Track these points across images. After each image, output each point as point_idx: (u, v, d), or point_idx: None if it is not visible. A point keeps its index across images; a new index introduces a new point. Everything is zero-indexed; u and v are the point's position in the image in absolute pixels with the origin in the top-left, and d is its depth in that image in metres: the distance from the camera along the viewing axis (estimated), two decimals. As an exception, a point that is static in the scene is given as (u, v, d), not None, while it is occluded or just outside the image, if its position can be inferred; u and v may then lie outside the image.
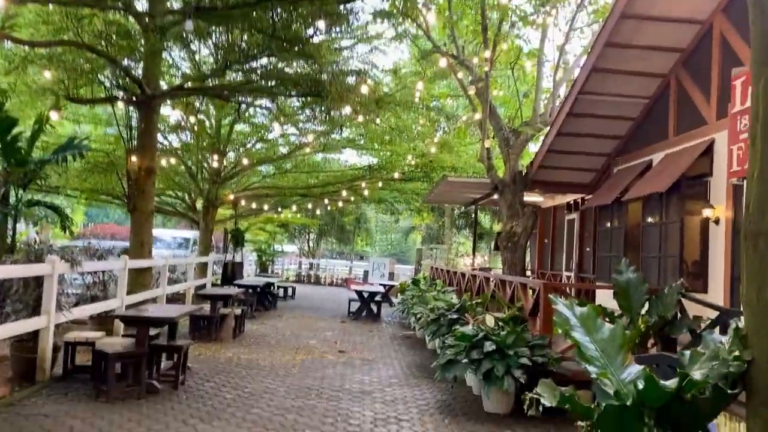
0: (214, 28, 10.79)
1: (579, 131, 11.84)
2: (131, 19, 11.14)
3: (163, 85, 13.55)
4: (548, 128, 12.79)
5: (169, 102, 14.13)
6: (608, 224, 12.07)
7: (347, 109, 11.82)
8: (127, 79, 11.49)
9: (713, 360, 2.43)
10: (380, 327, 14.03)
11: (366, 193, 21.73)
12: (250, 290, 14.82)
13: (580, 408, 2.65)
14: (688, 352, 2.78)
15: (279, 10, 9.76)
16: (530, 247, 16.48)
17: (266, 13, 9.77)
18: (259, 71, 11.81)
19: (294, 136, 19.67)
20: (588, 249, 14.21)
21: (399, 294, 14.95)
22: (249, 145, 20.12)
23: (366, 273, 27.52)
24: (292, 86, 11.61)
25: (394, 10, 12.62)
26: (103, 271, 10.28)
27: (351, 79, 11.74)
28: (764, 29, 2.43)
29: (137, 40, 11.06)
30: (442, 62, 12.13)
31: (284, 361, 9.03)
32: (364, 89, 11.34)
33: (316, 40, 11.27)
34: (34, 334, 6.98)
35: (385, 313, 16.42)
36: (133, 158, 11.73)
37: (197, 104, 15.82)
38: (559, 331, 3.12)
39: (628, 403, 2.45)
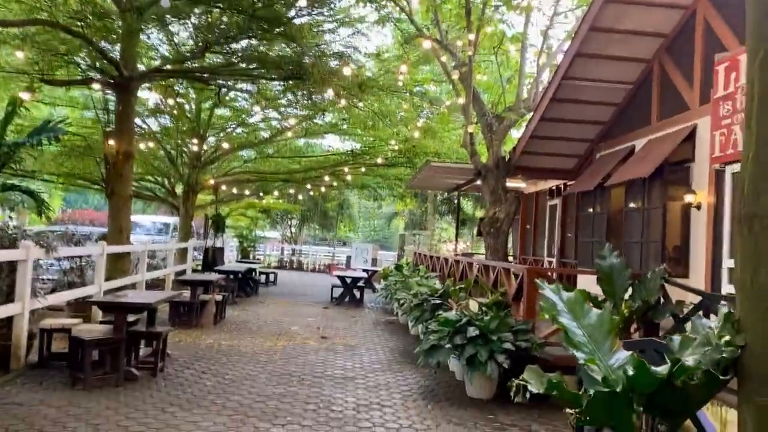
0: (193, 7, 10.55)
1: (562, 117, 11.81)
2: (107, -2, 10.86)
3: (142, 68, 13.26)
4: (531, 114, 12.74)
5: (147, 85, 13.85)
6: (590, 210, 12.09)
7: (330, 93, 11.67)
8: (104, 61, 11.23)
9: (705, 346, 2.38)
10: (363, 313, 13.99)
11: (349, 178, 21.59)
12: (231, 276, 14.68)
13: (567, 395, 2.59)
14: (676, 338, 2.74)
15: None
16: (512, 232, 16.49)
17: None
18: (239, 53, 11.59)
19: (276, 120, 19.44)
20: (569, 234, 14.25)
21: (382, 280, 14.90)
22: (229, 130, 19.85)
23: (349, 259, 27.45)
24: (274, 69, 11.42)
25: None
26: (81, 257, 10.09)
27: (333, 63, 11.58)
28: (759, 5, 2.36)
29: (114, 21, 10.78)
30: (426, 44, 11.98)
31: (266, 348, 8.95)
32: (347, 71, 11.18)
33: (298, 22, 11.08)
34: (8, 321, 6.81)
35: (367, 299, 16.38)
36: (111, 142, 11.50)
37: (176, 87, 15.53)
38: (546, 316, 3.07)
39: (618, 390, 2.40)
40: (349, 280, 15.71)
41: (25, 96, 10.69)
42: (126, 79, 11.40)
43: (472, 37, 11.58)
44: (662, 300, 6.56)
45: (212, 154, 19.35)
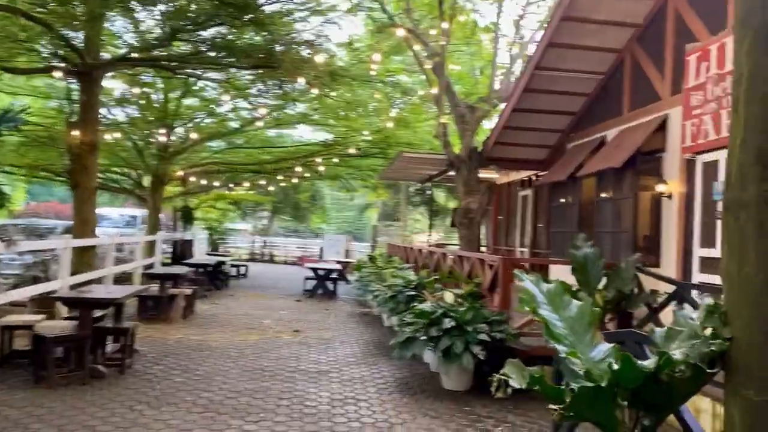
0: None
1: (534, 107, 11.82)
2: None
3: (106, 56, 12.86)
4: (504, 104, 12.73)
5: (112, 74, 13.45)
6: (562, 200, 12.13)
7: (301, 81, 11.45)
8: (67, 49, 10.84)
9: (692, 339, 2.33)
10: (336, 305, 13.87)
11: (321, 169, 21.37)
12: (201, 269, 14.43)
13: (550, 390, 2.53)
14: (659, 330, 2.69)
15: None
16: (485, 223, 16.52)
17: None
18: (208, 42, 11.30)
19: (246, 110, 19.11)
20: (541, 225, 14.32)
21: (355, 271, 14.78)
22: (198, 120, 19.44)
23: (321, 250, 27.25)
24: (244, 57, 11.16)
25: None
26: (45, 251, 9.77)
27: (305, 51, 11.37)
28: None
29: (76, 6, 10.40)
30: (400, 32, 11.83)
31: (237, 342, 8.78)
32: (319, 58, 10.99)
33: (268, 9, 10.83)
34: (-34, 319, 6.54)
35: (341, 291, 16.26)
36: (74, 132, 11.13)
37: (143, 76, 15.13)
38: (526, 308, 2.99)
39: (603, 385, 2.34)
40: (322, 272, 15.57)
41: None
42: (90, 68, 11.04)
43: (445, 25, 11.47)
44: (636, 289, 6.58)
45: (180, 145, 18.95)
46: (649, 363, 2.29)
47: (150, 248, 16.43)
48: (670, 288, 6.62)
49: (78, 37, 11.33)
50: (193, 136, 18.39)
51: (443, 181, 18.84)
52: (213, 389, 6.20)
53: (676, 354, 2.25)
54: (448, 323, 6.31)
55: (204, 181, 21.53)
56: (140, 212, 22.79)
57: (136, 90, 14.94)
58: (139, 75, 14.81)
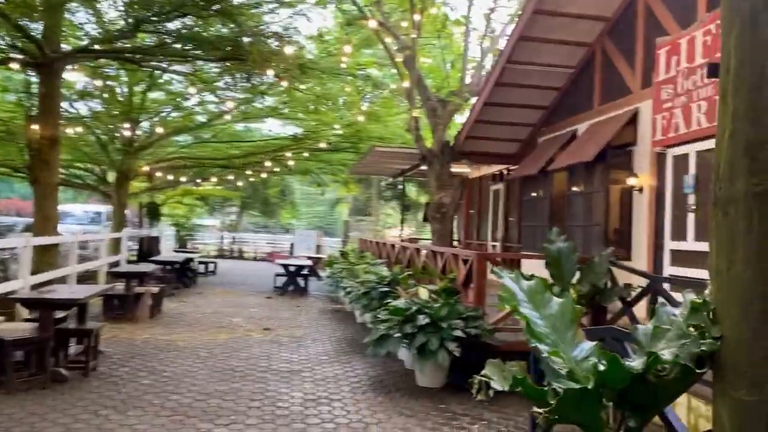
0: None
1: (506, 101, 11.81)
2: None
3: (67, 48, 12.43)
4: (475, 98, 12.69)
5: (74, 66, 13.02)
6: (533, 194, 12.17)
7: (270, 73, 11.22)
8: (24, 40, 10.44)
9: (682, 338, 2.26)
10: (308, 302, 13.70)
11: (291, 163, 21.10)
12: (168, 267, 14.11)
13: (532, 391, 2.44)
14: (643, 327, 2.62)
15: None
16: (457, 217, 16.50)
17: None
18: (173, 33, 10.99)
19: (213, 104, 18.75)
20: (512, 219, 14.36)
21: (327, 267, 14.62)
22: (164, 114, 19.01)
23: (292, 246, 26.99)
24: (211, 50, 10.89)
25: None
26: (4, 249, 9.40)
27: (273, 43, 11.14)
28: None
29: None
30: (371, 24, 11.67)
31: (206, 341, 8.56)
32: (289, 50, 10.77)
33: (236, 0, 10.58)
34: None
35: (312, 287, 16.08)
36: (34, 126, 10.75)
37: (106, 69, 14.70)
38: (507, 307, 2.90)
39: (589, 387, 2.26)
40: (292, 269, 15.36)
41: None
42: (49, 60, 10.67)
43: (416, 17, 11.35)
44: (610, 284, 6.58)
45: (146, 140, 18.52)
46: (637, 363, 2.22)
47: (115, 246, 16.04)
48: (643, 281, 6.64)
49: (37, 28, 10.93)
50: (159, 130, 17.96)
51: (415, 175, 18.77)
52: (181, 391, 6.01)
53: (665, 354, 2.18)
54: (422, 320, 6.22)
55: (170, 177, 21.10)
56: (105, 209, 22.25)
57: (98, 82, 14.48)
58: (103, 67, 14.39)
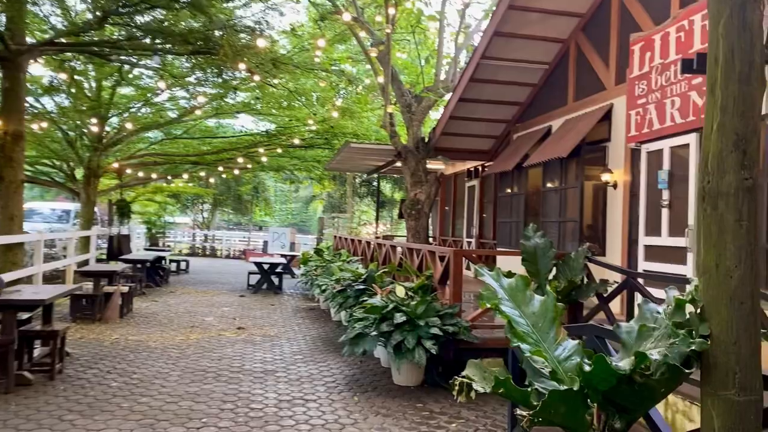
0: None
1: (480, 97, 11.77)
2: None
3: (31, 41, 12.05)
4: (450, 94, 12.64)
5: (39, 60, 12.64)
6: (508, 190, 12.17)
7: (241, 67, 11.01)
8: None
9: (671, 337, 2.20)
10: (282, 300, 13.54)
11: (264, 160, 20.84)
12: (139, 265, 13.82)
13: (515, 392, 2.36)
14: (626, 325, 2.56)
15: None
16: (432, 214, 16.47)
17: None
18: (142, 26, 10.72)
19: (184, 100, 18.41)
20: (485, 215, 14.38)
21: (301, 265, 14.47)
22: (134, 110, 18.60)
23: (265, 244, 26.71)
24: (181, 43, 10.64)
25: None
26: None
27: (245, 37, 10.94)
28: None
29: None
30: (346, 16, 11.51)
31: (177, 342, 8.37)
32: (261, 43, 10.58)
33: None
34: None
35: (287, 285, 15.92)
36: (-3, 122, 10.39)
37: (74, 63, 14.30)
38: (488, 305, 2.82)
39: (575, 388, 2.19)
40: (266, 266, 15.17)
41: None
42: (13, 53, 10.34)
43: (391, 11, 11.24)
44: (586, 279, 6.56)
45: (115, 136, 18.10)
46: (625, 364, 2.15)
47: (85, 244, 15.66)
48: (618, 277, 6.64)
49: (-1, 21, 10.59)
50: (128, 126, 17.57)
51: (390, 172, 18.69)
52: (152, 393, 5.84)
53: (654, 354, 2.12)
54: (399, 318, 6.14)
55: (141, 174, 20.66)
56: (74, 206, 21.75)
57: (62, 76, 14.07)
58: (69, 61, 14.00)
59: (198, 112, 18.02)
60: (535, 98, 11.63)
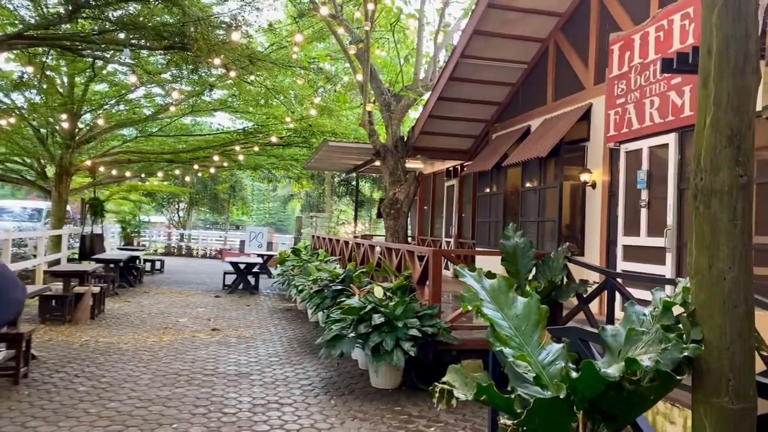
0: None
1: (459, 96, 11.70)
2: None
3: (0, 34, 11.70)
4: (429, 93, 12.55)
5: (9, 54, 12.30)
6: (487, 190, 12.12)
7: (217, 62, 10.79)
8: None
9: (662, 342, 2.10)
10: (258, 300, 13.33)
11: (241, 158, 20.57)
12: (112, 265, 13.51)
13: (499, 400, 2.25)
14: (611, 328, 2.47)
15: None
16: (411, 213, 16.38)
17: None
18: (113, 20, 10.45)
19: (160, 97, 18.08)
20: (464, 215, 14.32)
21: (278, 265, 14.27)
22: (108, 107, 18.21)
23: (242, 243, 26.40)
24: (154, 38, 10.40)
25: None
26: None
27: (221, 34, 10.73)
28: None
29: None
30: (323, 11, 11.35)
31: (149, 344, 8.15)
32: (236, 36, 10.37)
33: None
34: None
35: (263, 285, 15.70)
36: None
37: (45, 58, 13.93)
38: (470, 307, 2.71)
39: (561, 396, 2.09)
40: (242, 266, 14.94)
41: None
42: (-22, 46, 10.03)
43: (371, 6, 11.10)
44: (566, 279, 6.51)
45: (88, 133, 17.72)
46: (614, 370, 2.05)
47: (56, 243, 15.29)
48: (598, 277, 6.60)
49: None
50: (100, 122, 17.18)
51: (369, 171, 18.56)
52: (121, 398, 5.64)
53: (645, 360, 2.02)
54: (377, 319, 6.01)
55: (114, 172, 20.27)
56: (46, 205, 21.28)
57: (29, 69, 13.69)
58: (40, 56, 13.63)
59: (173, 109, 17.70)
60: (514, 98, 11.59)
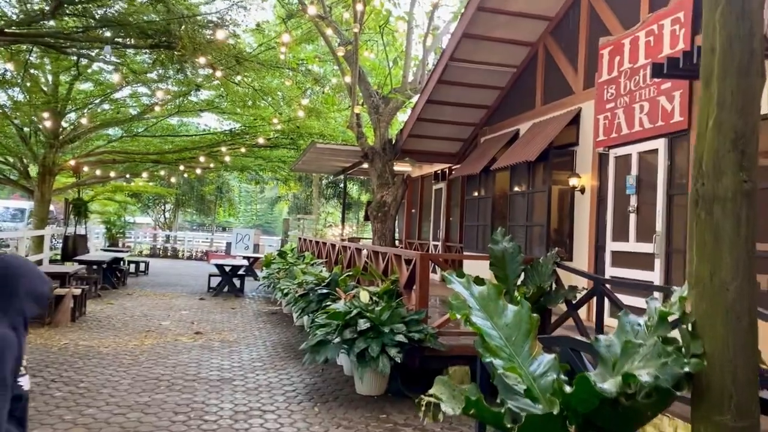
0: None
1: (448, 100, 11.63)
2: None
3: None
4: (418, 96, 12.47)
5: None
6: (475, 194, 12.06)
7: (202, 61, 10.64)
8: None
9: (662, 356, 2.00)
10: (243, 303, 13.16)
11: (227, 159, 20.38)
12: (95, 266, 13.29)
13: (489, 414, 2.15)
14: (605, 338, 2.37)
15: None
16: (398, 216, 16.29)
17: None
18: (97, 17, 10.28)
19: (146, 97, 17.87)
20: (452, 218, 14.25)
21: (264, 267, 14.11)
22: (93, 106, 17.97)
23: (229, 245, 26.18)
24: (140, 36, 10.23)
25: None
26: None
27: (208, 33, 10.59)
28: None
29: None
30: (311, 10, 11.23)
31: (131, 347, 7.98)
32: (221, 35, 10.23)
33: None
34: None
35: (249, 288, 15.52)
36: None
37: (29, 56, 13.71)
38: (458, 315, 2.60)
39: (554, 412, 1.99)
40: (228, 268, 14.76)
41: None
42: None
43: (360, 7, 11.00)
44: (555, 285, 6.43)
45: (72, 132, 17.47)
46: (610, 386, 1.95)
47: (38, 244, 15.04)
48: (587, 283, 6.53)
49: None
50: (84, 121, 16.95)
51: (357, 173, 18.44)
52: (98, 404, 5.48)
53: (644, 376, 1.92)
54: (363, 324, 5.89)
55: (99, 172, 20.01)
56: (29, 205, 20.97)
57: (10, 65, 13.47)
58: (23, 53, 13.41)
59: (159, 109, 17.50)
60: (503, 101, 11.53)
